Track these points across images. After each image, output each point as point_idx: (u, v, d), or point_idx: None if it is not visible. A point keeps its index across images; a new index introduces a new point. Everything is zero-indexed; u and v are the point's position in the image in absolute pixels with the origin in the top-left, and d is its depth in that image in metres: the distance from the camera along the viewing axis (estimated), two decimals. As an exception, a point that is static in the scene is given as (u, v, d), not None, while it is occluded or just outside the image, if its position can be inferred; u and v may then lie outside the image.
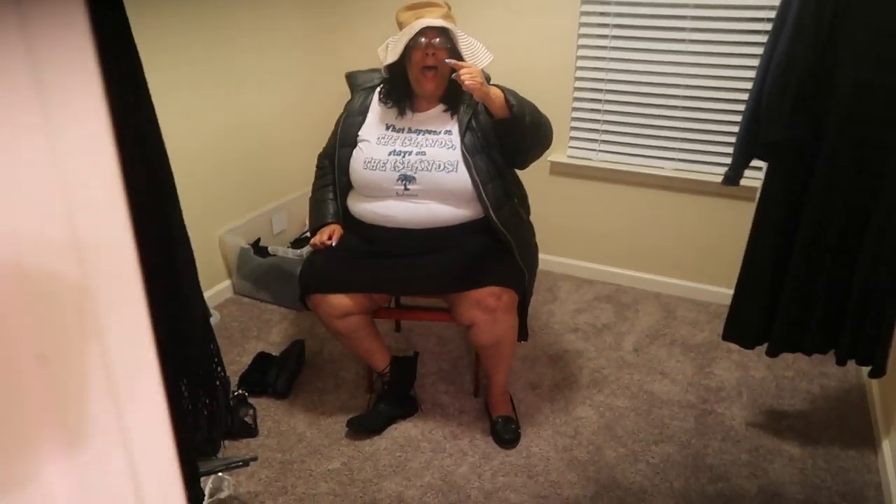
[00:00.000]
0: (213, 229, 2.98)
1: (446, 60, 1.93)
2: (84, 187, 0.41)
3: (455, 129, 2.08)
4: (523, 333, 2.17)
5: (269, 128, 3.14)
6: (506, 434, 2.20)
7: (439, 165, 2.04)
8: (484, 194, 2.02)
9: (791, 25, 1.72)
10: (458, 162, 2.04)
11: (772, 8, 2.34)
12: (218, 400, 1.15)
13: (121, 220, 0.44)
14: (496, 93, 1.94)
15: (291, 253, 2.91)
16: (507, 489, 2.04)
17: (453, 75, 1.89)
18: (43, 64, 0.34)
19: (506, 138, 2.05)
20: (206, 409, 1.14)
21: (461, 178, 2.03)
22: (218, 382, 1.14)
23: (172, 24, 2.55)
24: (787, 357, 2.55)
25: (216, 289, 3.02)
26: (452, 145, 2.06)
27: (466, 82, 1.84)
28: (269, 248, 2.96)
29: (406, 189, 2.05)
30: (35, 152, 0.37)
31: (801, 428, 2.26)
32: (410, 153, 2.06)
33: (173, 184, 0.99)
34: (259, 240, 3.09)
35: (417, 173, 2.04)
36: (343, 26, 3.31)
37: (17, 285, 0.38)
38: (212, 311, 2.40)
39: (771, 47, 1.79)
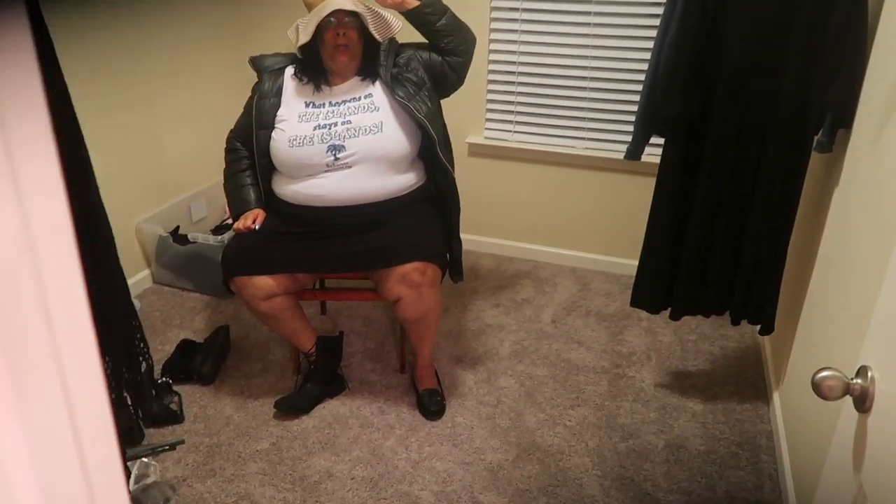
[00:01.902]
0: (129, 218, 2.92)
1: None
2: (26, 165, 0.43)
3: (376, 91, 2.14)
4: (459, 274, 2.31)
5: (183, 114, 3.09)
6: (431, 406, 2.27)
7: (366, 129, 2.09)
8: (432, 130, 2.11)
9: (679, 12, 1.85)
10: (382, 123, 2.09)
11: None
12: (142, 377, 1.17)
13: (60, 200, 0.47)
14: None
15: (212, 240, 2.89)
16: (433, 458, 2.12)
17: None
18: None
19: (426, 27, 2.13)
20: (130, 386, 1.16)
21: (387, 137, 2.09)
22: (142, 359, 1.16)
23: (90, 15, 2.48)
24: (690, 322, 2.74)
25: (135, 278, 2.96)
26: (376, 107, 2.11)
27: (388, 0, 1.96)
28: (189, 236, 2.93)
29: (336, 159, 2.08)
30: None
31: (702, 386, 2.44)
32: (336, 124, 2.10)
33: (89, 161, 1.01)
34: (178, 227, 3.04)
35: (346, 141, 2.08)
36: (249, 14, 3.28)
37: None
38: (135, 300, 2.36)
39: (664, 29, 1.92)
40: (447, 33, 2.14)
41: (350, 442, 2.18)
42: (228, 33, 3.26)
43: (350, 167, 2.10)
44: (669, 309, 2.24)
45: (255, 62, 2.31)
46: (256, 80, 2.26)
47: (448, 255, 2.25)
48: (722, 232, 2.06)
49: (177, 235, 2.95)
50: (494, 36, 2.98)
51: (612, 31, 2.81)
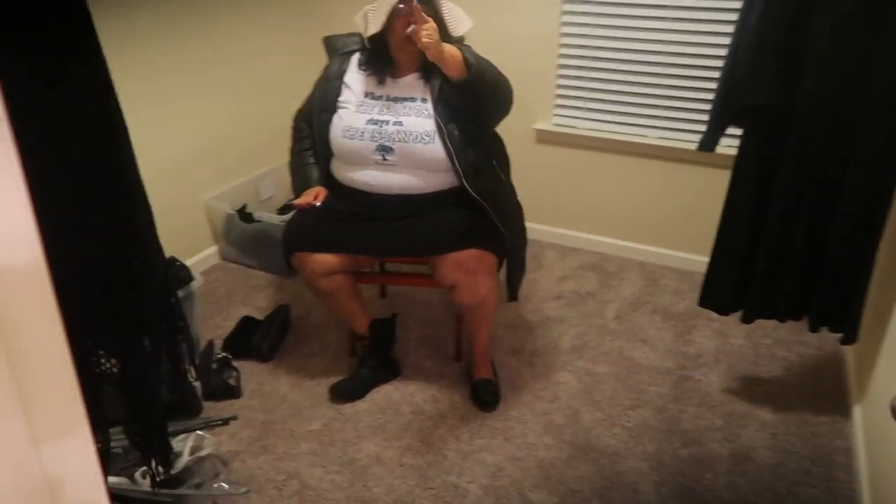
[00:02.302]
0: (199, 195, 2.99)
1: (408, 30, 1.87)
2: None
3: (429, 97, 2.08)
4: (513, 294, 2.20)
5: (252, 93, 3.13)
6: (485, 396, 2.23)
7: (416, 136, 2.03)
8: (457, 162, 2.02)
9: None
10: (433, 132, 2.03)
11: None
12: (182, 355, 1.17)
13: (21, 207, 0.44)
14: (452, 51, 1.90)
15: (277, 219, 2.92)
16: (483, 451, 2.08)
17: (409, 30, 1.85)
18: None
19: (465, 100, 2.01)
20: (169, 364, 1.16)
21: (437, 149, 2.03)
22: (181, 336, 1.16)
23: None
24: (766, 325, 2.58)
25: (203, 254, 3.04)
26: (428, 114, 2.05)
27: (423, 39, 1.80)
28: (255, 214, 2.97)
29: (384, 159, 2.06)
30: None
31: (775, 394, 2.29)
32: (388, 122, 2.05)
33: (127, 139, 1.00)
34: (245, 206, 3.10)
35: (395, 144, 2.04)
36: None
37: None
38: (196, 275, 2.41)
39: (745, 10, 1.78)
40: (493, 102, 2.03)
41: (401, 428, 2.16)
42: (300, 10, 3.28)
43: (398, 167, 2.07)
44: (741, 311, 2.10)
45: (328, 42, 2.30)
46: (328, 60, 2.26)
47: (508, 278, 2.18)
48: (802, 231, 1.91)
49: (243, 214, 3.00)
50: (566, 19, 2.88)
51: (692, 13, 2.65)
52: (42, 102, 0.85)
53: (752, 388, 2.32)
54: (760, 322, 2.34)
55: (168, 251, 2.41)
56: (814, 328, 2.06)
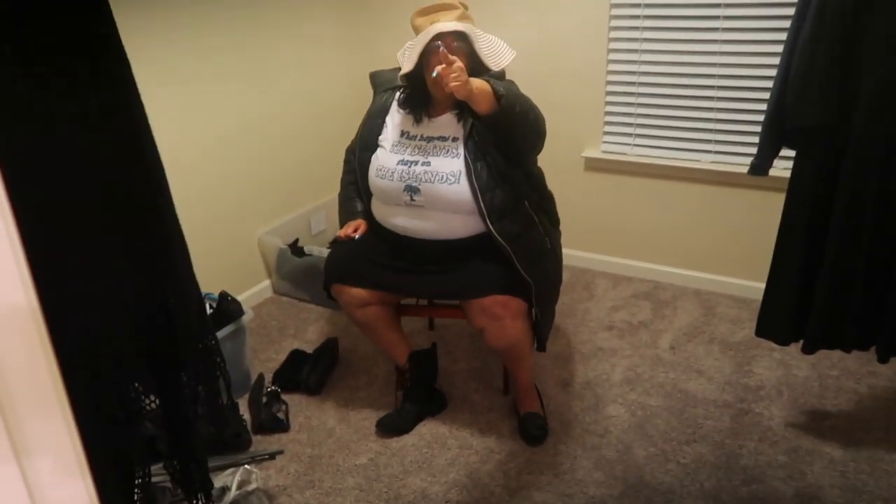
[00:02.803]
0: (252, 230, 3.06)
1: (433, 74, 1.83)
2: None
3: (461, 134, 2.04)
4: (540, 345, 2.14)
5: (306, 128, 3.21)
6: (533, 430, 2.18)
7: (442, 177, 2.01)
8: (482, 204, 1.97)
9: (814, 8, 1.65)
10: (460, 172, 2.00)
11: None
12: (219, 391, 1.19)
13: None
14: (481, 86, 1.86)
15: (327, 253, 2.96)
16: (531, 487, 2.02)
17: (434, 74, 1.81)
18: None
19: (496, 134, 1.97)
20: (207, 400, 1.18)
21: (463, 189, 1.99)
22: (218, 373, 1.18)
23: (207, 21, 2.64)
24: (832, 356, 2.44)
25: (256, 288, 3.10)
26: (457, 153, 2.02)
27: (451, 84, 1.77)
28: (306, 249, 3.03)
29: (412, 200, 2.06)
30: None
31: (844, 429, 2.16)
32: (416, 163, 2.05)
33: (162, 175, 1.03)
34: (297, 240, 3.16)
35: (422, 185, 2.03)
36: (376, 19, 3.35)
37: None
38: (247, 310, 2.46)
39: (796, 28, 1.73)
40: (523, 134, 1.98)
41: (447, 463, 2.13)
42: (354, 45, 3.35)
43: (425, 209, 2.06)
44: (802, 341, 2.00)
45: (373, 78, 2.34)
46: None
47: (535, 328, 2.11)
48: (865, 255, 1.81)
49: (295, 248, 3.06)
50: (614, 45, 2.85)
51: (744, 35, 2.59)
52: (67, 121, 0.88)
53: (818, 423, 2.19)
54: (826, 352, 2.23)
55: (222, 286, 2.51)
56: (883, 358, 1.94)
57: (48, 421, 0.49)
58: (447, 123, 2.09)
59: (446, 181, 2.01)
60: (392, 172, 2.07)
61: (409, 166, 2.05)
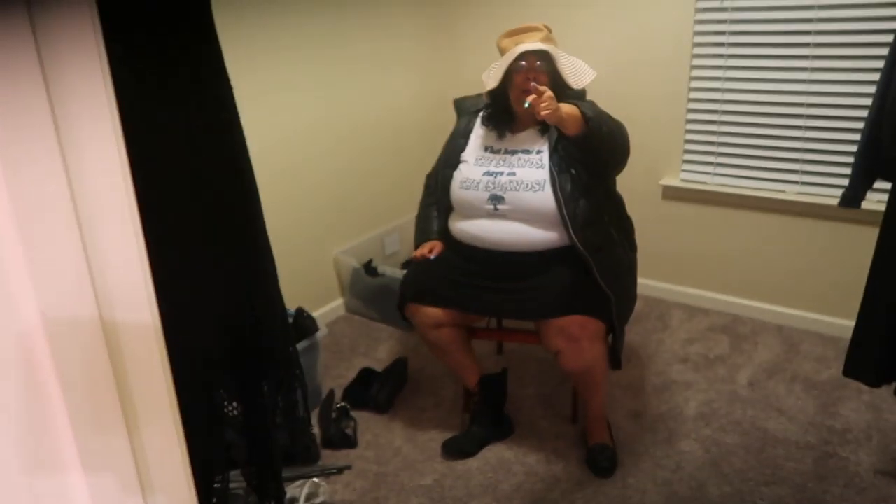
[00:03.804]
0: (329, 249, 3.14)
1: (525, 105, 1.89)
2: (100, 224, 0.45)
3: (546, 147, 2.10)
4: (615, 362, 2.10)
5: (384, 150, 3.29)
6: (601, 462, 2.13)
7: (527, 185, 2.05)
8: (566, 212, 2.00)
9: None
10: (545, 181, 2.04)
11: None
12: (297, 402, 1.22)
13: (135, 256, 0.49)
14: (570, 111, 1.91)
15: (399, 274, 3.01)
16: (599, 519, 1.97)
17: (527, 104, 1.86)
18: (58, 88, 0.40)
19: (586, 152, 2.02)
20: (285, 410, 1.22)
21: (547, 197, 2.03)
22: (297, 384, 1.21)
23: (293, 37, 2.74)
24: (928, 400, 2.30)
25: (330, 306, 3.17)
26: (542, 164, 2.07)
27: (542, 113, 1.82)
28: (379, 269, 3.08)
29: (496, 209, 2.08)
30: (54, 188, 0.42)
31: (940, 480, 2.02)
32: (502, 174, 2.09)
33: (256, 190, 1.08)
34: (371, 260, 3.22)
35: (506, 193, 2.07)
36: (459, 45, 3.42)
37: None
38: (321, 326, 2.53)
39: (893, 56, 1.66)
40: (611, 152, 2.03)
41: (512, 489, 2.10)
42: (435, 71, 3.43)
43: (508, 218, 2.08)
44: (895, 384, 1.89)
45: (457, 104, 2.40)
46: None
47: (612, 345, 2.10)
48: (967, 295, 1.70)
49: (368, 268, 3.12)
50: (696, 73, 2.81)
51: (834, 62, 2.50)
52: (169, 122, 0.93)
53: (911, 472, 2.06)
54: (920, 397, 2.09)
55: (298, 302, 2.58)
56: None
57: (165, 431, 0.51)
58: (530, 137, 2.14)
59: (531, 189, 2.04)
60: (477, 183, 2.11)
61: (495, 177, 2.09)
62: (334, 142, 3.03)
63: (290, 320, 2.46)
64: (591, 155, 2.03)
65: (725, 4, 2.65)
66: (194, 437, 1.15)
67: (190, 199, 0.97)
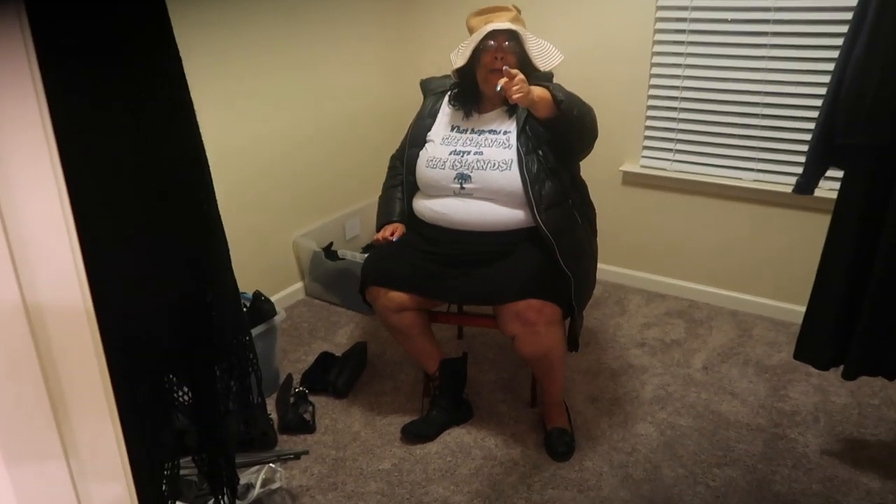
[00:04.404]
0: (288, 232, 3.09)
1: (497, 88, 1.88)
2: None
3: (513, 128, 2.10)
4: (573, 344, 2.12)
5: (344, 133, 3.24)
6: (559, 446, 2.15)
7: (494, 164, 2.05)
8: (531, 193, 2.01)
9: (870, 24, 1.61)
10: (512, 161, 2.05)
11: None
12: (251, 387, 1.20)
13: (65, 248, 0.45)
14: (542, 94, 1.92)
15: (359, 257, 2.98)
16: (555, 502, 1.99)
17: (499, 88, 1.86)
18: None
19: (556, 134, 2.03)
20: (238, 396, 1.19)
21: (513, 176, 2.03)
22: (251, 369, 1.18)
23: (251, 25, 2.68)
24: (874, 383, 2.37)
25: (289, 290, 3.13)
26: (509, 144, 2.07)
27: (514, 96, 1.83)
28: (339, 253, 3.05)
29: (462, 188, 2.08)
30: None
31: (883, 460, 2.09)
32: (469, 153, 2.09)
33: (209, 176, 1.05)
34: (331, 244, 3.18)
35: (473, 172, 2.06)
36: (417, 26, 3.38)
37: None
38: (279, 310, 2.48)
39: (849, 44, 1.68)
40: (580, 134, 2.05)
41: (471, 473, 2.11)
42: (395, 57, 3.38)
43: (473, 196, 2.07)
44: (842, 366, 1.94)
45: (424, 84, 2.38)
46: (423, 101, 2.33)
47: (570, 327, 2.11)
48: (913, 282, 1.75)
49: (329, 252, 3.08)
50: (657, 60, 2.82)
51: (791, 51, 2.54)
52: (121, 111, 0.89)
53: (855, 452, 2.12)
54: (867, 379, 2.17)
55: (257, 286, 2.53)
56: (927, 389, 1.87)
57: (97, 419, 0.49)
58: (497, 117, 2.15)
59: (498, 168, 2.05)
60: (444, 162, 2.10)
61: (462, 156, 2.09)
62: (294, 124, 2.97)
63: (248, 304, 2.42)
64: (560, 137, 2.04)
65: (687, -8, 2.67)
66: (143, 424, 1.12)
67: (135, 179, 0.93)
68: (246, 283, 2.40)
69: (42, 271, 0.43)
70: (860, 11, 1.66)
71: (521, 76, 1.85)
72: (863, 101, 1.67)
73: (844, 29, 1.73)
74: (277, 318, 2.44)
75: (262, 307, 2.43)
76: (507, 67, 1.89)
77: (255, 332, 2.31)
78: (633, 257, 3.14)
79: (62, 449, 0.45)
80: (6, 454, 0.41)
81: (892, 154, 1.69)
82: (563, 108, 1.94)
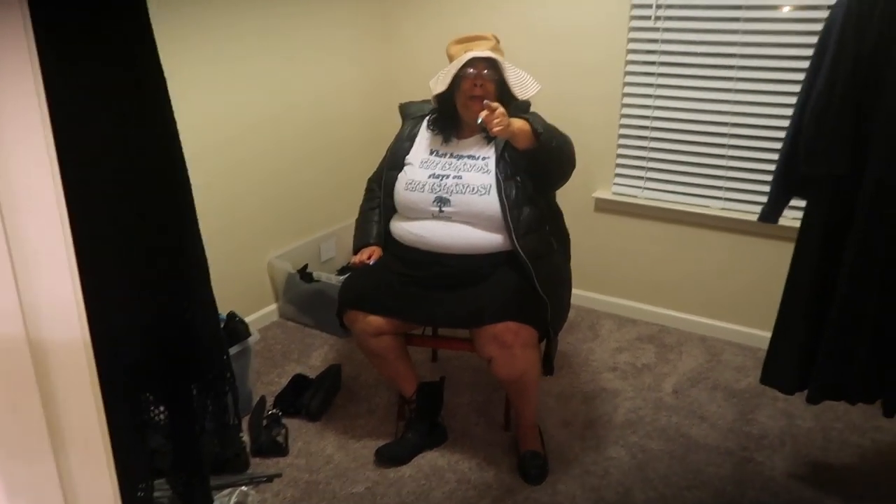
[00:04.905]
0: (263, 253, 3.09)
1: (478, 121, 1.93)
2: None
3: (492, 154, 2.14)
4: (548, 368, 2.15)
5: (321, 156, 3.26)
6: (532, 469, 2.16)
7: (473, 189, 2.09)
8: (510, 218, 2.05)
9: (831, 56, 1.69)
10: (491, 186, 2.09)
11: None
12: (227, 406, 1.20)
13: (62, 256, 0.46)
14: (521, 126, 1.97)
15: (335, 279, 2.98)
16: (529, 525, 2.00)
17: (479, 121, 1.91)
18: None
19: (536, 165, 2.08)
20: (215, 416, 1.19)
21: (492, 201, 2.07)
22: (227, 388, 1.19)
23: (225, 42, 2.70)
24: (836, 407, 2.43)
25: (263, 311, 3.11)
26: (488, 170, 2.11)
27: (495, 129, 1.88)
28: (314, 274, 3.05)
29: (441, 211, 2.11)
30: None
31: (846, 482, 2.14)
32: (448, 176, 2.13)
33: (191, 198, 1.06)
34: (306, 265, 3.17)
35: (452, 196, 2.10)
36: (396, 50, 3.43)
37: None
38: (253, 332, 2.47)
39: (811, 77, 1.76)
40: (559, 164, 2.10)
41: (444, 497, 2.11)
42: (372, 78, 3.42)
43: (452, 220, 2.10)
44: (807, 391, 1.99)
45: (403, 108, 2.42)
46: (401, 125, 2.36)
47: (545, 350, 2.14)
48: (873, 307, 1.81)
49: (303, 273, 3.08)
50: (629, 90, 2.90)
51: (758, 85, 2.64)
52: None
53: (820, 475, 2.17)
54: (831, 404, 2.22)
55: (231, 306, 2.52)
56: (889, 412, 1.93)
57: (91, 454, 0.49)
58: (476, 144, 2.19)
59: (477, 192, 2.09)
60: (423, 185, 2.13)
61: (441, 179, 2.12)
62: (272, 145, 2.98)
63: (222, 325, 2.40)
64: (540, 167, 2.08)
65: (657, 25, 2.76)
66: (117, 443, 1.11)
67: (119, 203, 0.94)
68: (220, 303, 2.37)
69: (44, 306, 0.44)
70: (819, 50, 1.75)
71: (501, 109, 1.89)
72: (822, 133, 1.74)
73: (806, 64, 1.81)
74: (251, 340, 2.43)
75: (236, 328, 2.42)
76: (487, 101, 1.92)
77: (229, 352, 2.30)
78: (605, 282, 3.19)
79: (59, 484, 0.46)
80: (7, 489, 0.42)
81: (850, 184, 1.76)
82: (543, 140, 1.98)
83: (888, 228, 1.74)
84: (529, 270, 2.04)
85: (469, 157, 2.17)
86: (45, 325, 0.44)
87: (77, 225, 0.77)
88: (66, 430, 0.48)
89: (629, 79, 2.89)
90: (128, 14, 0.93)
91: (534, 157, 2.05)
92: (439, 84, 2.12)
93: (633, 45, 2.84)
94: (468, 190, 2.09)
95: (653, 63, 2.82)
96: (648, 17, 2.78)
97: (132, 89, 0.93)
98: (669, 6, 2.74)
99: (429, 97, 2.26)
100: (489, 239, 2.10)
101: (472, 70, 2.07)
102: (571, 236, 2.38)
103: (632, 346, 2.93)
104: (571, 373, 2.73)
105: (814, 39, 1.80)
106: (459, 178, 2.12)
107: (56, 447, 0.47)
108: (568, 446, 2.32)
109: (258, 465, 2.24)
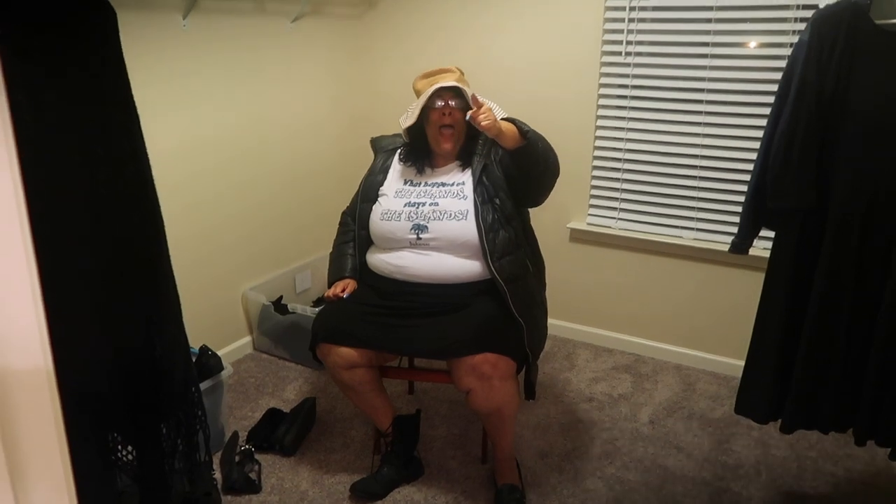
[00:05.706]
0: (238, 286, 3.05)
1: (466, 118, 1.96)
2: None
3: (468, 180, 2.16)
4: (530, 392, 2.14)
5: (295, 188, 3.25)
6: (509, 502, 2.14)
7: (451, 214, 2.10)
8: (485, 242, 2.06)
9: (793, 94, 1.74)
10: (468, 211, 2.10)
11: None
12: (198, 445, 1.17)
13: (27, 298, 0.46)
14: (508, 126, 1.98)
15: (310, 311, 2.96)
16: (506, 560, 1.97)
17: (468, 117, 1.92)
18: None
19: (523, 168, 2.08)
20: (185, 454, 1.16)
21: (470, 226, 2.08)
22: (198, 426, 1.16)
23: (199, 73, 2.70)
24: (810, 436, 2.45)
25: (237, 344, 3.07)
26: (465, 195, 2.13)
27: (483, 123, 1.89)
28: (289, 306, 3.02)
29: (419, 238, 2.11)
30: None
31: (822, 512, 2.14)
32: (424, 204, 2.13)
33: (163, 231, 1.05)
34: (281, 297, 3.15)
35: (430, 222, 2.10)
36: (368, 84, 3.46)
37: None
38: (226, 366, 2.43)
39: (776, 113, 1.81)
40: (545, 168, 2.10)
41: (421, 532, 2.07)
42: (346, 110, 3.44)
43: (430, 247, 2.10)
44: (780, 420, 2.01)
45: (374, 142, 2.43)
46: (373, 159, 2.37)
47: (526, 375, 2.15)
48: (843, 337, 1.84)
49: (278, 305, 3.05)
50: (601, 123, 2.96)
51: (728, 119, 2.70)
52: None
53: (796, 505, 2.18)
54: (805, 433, 2.24)
55: (203, 340, 2.49)
56: (860, 441, 1.95)
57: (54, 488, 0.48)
58: (451, 171, 2.20)
59: (455, 218, 2.09)
60: (399, 213, 2.13)
61: (417, 207, 2.13)
62: (247, 177, 2.98)
63: (194, 359, 2.36)
64: (526, 172, 2.08)
65: (627, 60, 2.82)
66: (82, 485, 1.08)
67: (88, 234, 0.93)
68: (193, 336, 2.33)
69: (5, 332, 0.43)
70: (783, 86, 1.80)
71: (487, 105, 1.92)
72: (788, 169, 1.78)
73: (773, 99, 1.86)
74: (224, 374, 2.39)
75: (208, 362, 2.37)
76: (474, 94, 1.93)
77: (201, 387, 2.26)
78: (581, 312, 3.20)
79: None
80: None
81: (817, 217, 1.80)
82: (530, 139, 1.98)
83: (853, 258, 1.78)
84: (504, 293, 2.04)
85: (444, 184, 2.18)
86: (6, 354, 0.43)
87: (42, 255, 0.76)
88: (27, 469, 0.46)
89: (602, 112, 2.94)
90: (100, 47, 0.93)
91: (522, 161, 2.05)
92: (409, 118, 2.14)
93: (605, 80, 2.90)
94: (445, 216, 2.10)
95: (624, 97, 2.88)
96: (619, 53, 2.85)
97: (103, 121, 0.92)
98: (639, 42, 2.81)
99: (400, 132, 2.27)
100: (466, 267, 2.11)
101: (440, 102, 2.10)
102: (547, 266, 2.39)
103: (608, 376, 2.93)
104: (548, 403, 2.72)
105: (779, 75, 1.86)
106: (436, 204, 2.12)
107: (16, 487, 0.45)
108: (545, 478, 2.30)
109: None
